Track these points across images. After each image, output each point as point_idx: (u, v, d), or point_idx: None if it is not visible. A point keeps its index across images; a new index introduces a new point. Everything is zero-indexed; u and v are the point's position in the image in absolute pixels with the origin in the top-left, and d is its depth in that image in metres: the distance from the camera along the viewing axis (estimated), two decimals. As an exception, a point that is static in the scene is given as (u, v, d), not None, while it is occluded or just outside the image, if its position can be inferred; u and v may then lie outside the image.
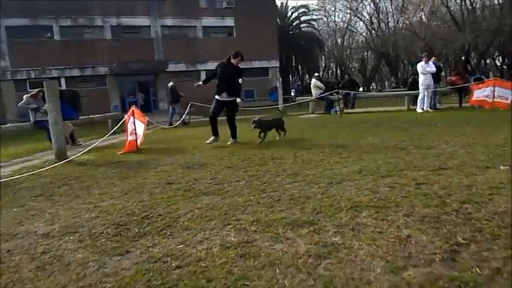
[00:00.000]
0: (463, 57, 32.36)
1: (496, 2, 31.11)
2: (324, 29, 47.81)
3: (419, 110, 12.31)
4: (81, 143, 9.42)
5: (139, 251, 2.42)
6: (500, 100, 11.20)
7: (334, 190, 3.44)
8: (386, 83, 52.43)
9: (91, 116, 12.18)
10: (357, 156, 4.98)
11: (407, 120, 9.69)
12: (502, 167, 3.88)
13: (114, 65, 26.24)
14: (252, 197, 3.40)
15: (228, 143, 7.21)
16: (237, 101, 7.35)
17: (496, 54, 36.84)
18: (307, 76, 45.66)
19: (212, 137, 7.37)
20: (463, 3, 31.77)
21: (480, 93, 11.72)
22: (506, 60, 34.71)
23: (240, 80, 7.24)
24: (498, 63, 37.29)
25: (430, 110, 12.14)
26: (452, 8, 32.56)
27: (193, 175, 4.56)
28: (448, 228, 2.43)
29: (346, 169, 4.25)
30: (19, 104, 8.67)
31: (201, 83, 7.68)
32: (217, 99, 7.35)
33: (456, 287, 1.79)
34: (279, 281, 1.93)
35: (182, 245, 2.45)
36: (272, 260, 2.15)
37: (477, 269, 1.92)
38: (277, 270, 2.03)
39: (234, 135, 7.33)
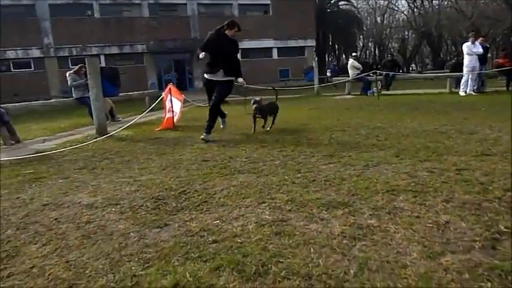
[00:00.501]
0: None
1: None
2: (363, 7, 46.22)
3: (462, 93, 11.78)
4: (120, 119, 9.71)
5: (177, 224, 2.50)
6: None
7: (370, 173, 3.40)
8: (428, 65, 50.34)
9: (130, 93, 12.46)
10: (395, 139, 4.87)
11: (449, 103, 9.31)
12: None
13: (151, 43, 26.61)
14: (286, 177, 3.42)
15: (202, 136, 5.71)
16: (240, 82, 5.89)
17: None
18: (343, 56, 44.55)
19: (221, 120, 6.56)
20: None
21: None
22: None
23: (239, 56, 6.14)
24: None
25: (474, 94, 11.59)
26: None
27: (229, 153, 4.62)
28: (489, 215, 2.36)
29: (383, 152, 4.17)
30: (70, 83, 8.97)
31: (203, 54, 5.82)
32: (208, 79, 5.93)
33: (496, 275, 1.74)
34: (313, 260, 1.95)
35: (218, 221, 2.51)
36: (306, 239, 2.17)
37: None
38: (312, 250, 2.05)
39: (210, 125, 5.80)
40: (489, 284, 1.67)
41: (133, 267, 1.98)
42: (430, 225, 2.28)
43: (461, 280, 1.72)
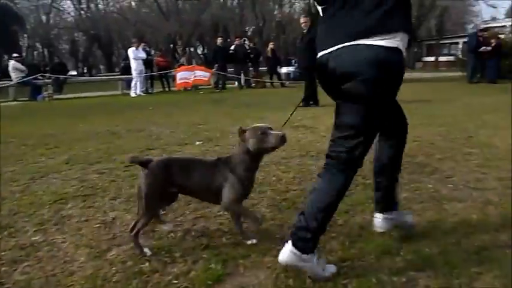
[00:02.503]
0: (171, 45, 35.34)
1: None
2: (23, 3, 41.63)
3: (132, 94, 12.70)
4: None
5: None
6: (200, 78, 13.43)
7: (36, 186, 3.14)
8: (101, 67, 51.13)
9: None
10: (66, 145, 4.70)
11: (121, 104, 9.85)
12: (197, 142, 4.55)
13: None
14: None
15: None
16: None
17: (197, 44, 42.04)
18: (6, 57, 38.89)
19: None
20: (167, -7, 34.46)
21: (182, 75, 13.28)
22: (205, 50, 40.15)
23: None
24: (200, 52, 42.76)
25: (143, 94, 12.75)
26: (157, -2, 34.75)
27: None
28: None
29: (53, 161, 3.95)
30: None
31: None
32: None
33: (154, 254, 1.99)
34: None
35: None
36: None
37: (172, 234, 2.20)
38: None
39: None
40: (147, 264, 1.89)
41: None
42: (98, 225, 2.36)
43: (125, 268, 1.86)
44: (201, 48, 40.51)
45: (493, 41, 12.87)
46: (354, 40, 1.55)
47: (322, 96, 8.19)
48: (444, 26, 33.74)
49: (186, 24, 32.57)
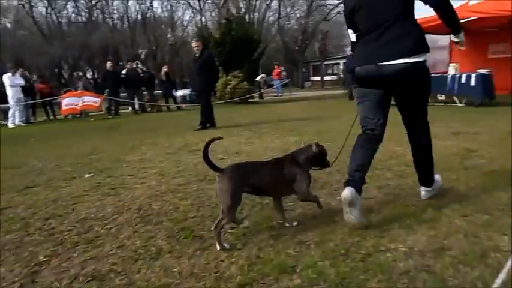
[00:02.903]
0: (56, 70, 32.72)
1: (80, 19, 33.51)
2: None
3: (10, 125, 11.41)
4: None
5: None
6: (89, 104, 12.66)
7: None
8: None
9: None
10: None
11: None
12: (86, 175, 4.21)
13: None
14: None
15: None
16: None
17: (86, 68, 39.66)
18: None
19: None
20: (49, 16, 32.01)
21: (68, 101, 12.36)
22: (95, 75, 38.03)
23: None
24: (89, 76, 40.31)
25: (23, 125, 11.53)
26: (38, 19, 32.09)
27: None
28: (29, 249, 2.37)
29: None
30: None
31: None
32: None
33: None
34: None
35: None
36: None
37: (57, 283, 1.97)
38: None
39: None
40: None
41: None
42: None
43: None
44: (91, 73, 38.31)
45: (366, 62, 14.43)
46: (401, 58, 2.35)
47: (220, 118, 8.31)
48: (326, 48, 36.97)
49: (72, 47, 30.53)
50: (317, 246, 2.16)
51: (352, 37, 2.63)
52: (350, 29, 2.62)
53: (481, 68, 9.32)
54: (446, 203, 2.69)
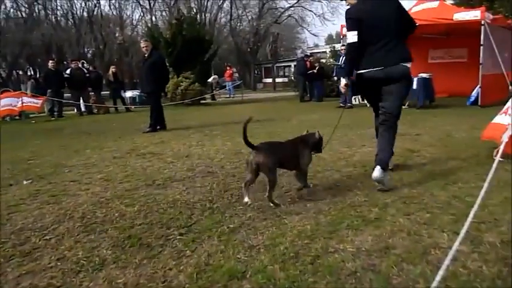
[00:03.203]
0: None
1: (19, 15, 31.51)
2: None
3: None
4: None
5: None
6: (29, 105, 11.98)
7: None
8: None
9: None
10: None
11: None
12: (25, 182, 3.94)
13: None
14: None
15: None
16: None
17: (27, 66, 37.34)
18: None
19: None
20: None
21: (6, 102, 11.60)
22: (37, 74, 35.98)
23: None
24: (30, 74, 38.00)
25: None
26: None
27: None
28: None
29: None
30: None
31: None
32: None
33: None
34: None
35: None
36: None
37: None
38: None
39: None
40: None
41: None
42: None
43: None
44: (31, 71, 36.17)
45: (317, 65, 14.81)
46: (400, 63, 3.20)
47: (171, 120, 8.12)
48: (278, 51, 37.51)
49: (10, 44, 28.64)
50: (267, 250, 2.15)
51: (353, 38, 3.18)
52: (352, 30, 3.17)
53: (422, 72, 9.83)
54: (391, 202, 2.79)
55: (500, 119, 4.05)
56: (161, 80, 7.88)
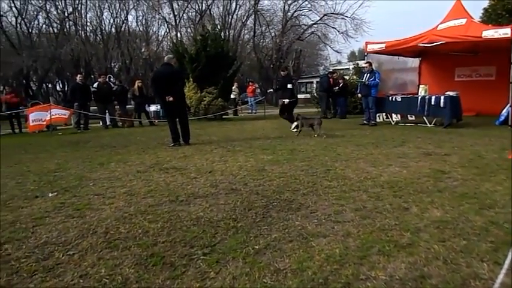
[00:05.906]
0: (24, 81, 31.63)
1: (51, 30, 32.68)
2: None
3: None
4: None
5: None
6: (58, 116, 12.28)
7: None
8: None
9: None
10: None
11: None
12: (50, 194, 3.97)
13: None
14: None
15: None
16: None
17: (56, 80, 38.53)
18: None
19: None
20: (19, 26, 31.10)
21: (35, 117, 11.90)
22: (65, 87, 37.05)
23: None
24: (59, 88, 39.16)
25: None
26: (7, 30, 31.10)
27: None
28: (-20, 280, 2.15)
29: None
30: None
31: None
32: None
33: None
34: None
35: None
36: None
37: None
38: None
39: None
40: None
41: None
42: None
43: None
44: (60, 85, 37.36)
45: (341, 81, 14.70)
46: None
47: (194, 134, 8.14)
48: (300, 67, 37.54)
49: (42, 58, 29.67)
50: (294, 274, 2.06)
51: None
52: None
53: (448, 90, 9.61)
54: (423, 226, 2.66)
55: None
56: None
